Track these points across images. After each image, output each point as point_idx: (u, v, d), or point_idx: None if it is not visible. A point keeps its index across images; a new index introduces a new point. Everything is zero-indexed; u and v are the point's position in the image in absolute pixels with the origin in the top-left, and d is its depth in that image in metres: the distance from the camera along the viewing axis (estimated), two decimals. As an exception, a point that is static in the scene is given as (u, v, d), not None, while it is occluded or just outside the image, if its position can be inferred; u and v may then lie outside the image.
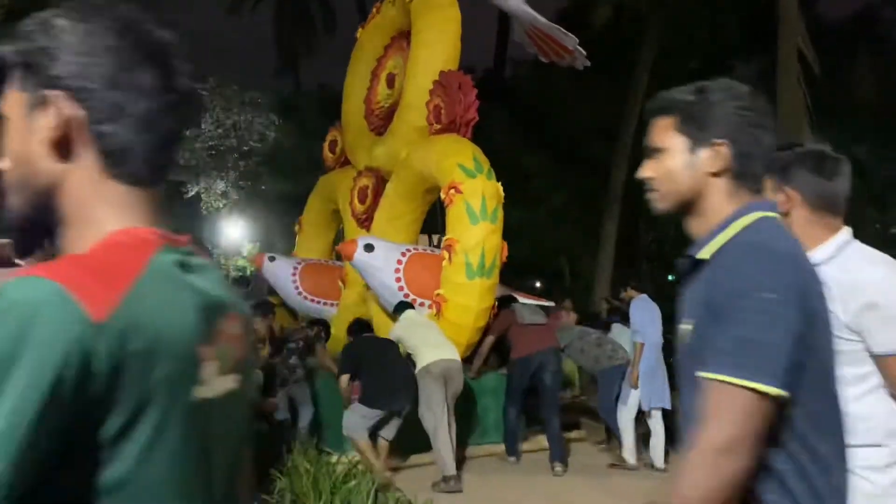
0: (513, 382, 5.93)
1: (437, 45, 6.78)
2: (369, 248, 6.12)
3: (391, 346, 5.50)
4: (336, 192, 8.13)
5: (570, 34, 6.81)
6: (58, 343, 0.61)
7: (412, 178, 6.71)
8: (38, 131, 0.74)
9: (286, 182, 15.52)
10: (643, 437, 5.99)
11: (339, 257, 6.97)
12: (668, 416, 5.77)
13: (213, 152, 16.05)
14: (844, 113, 15.67)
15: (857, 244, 1.69)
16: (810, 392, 1.09)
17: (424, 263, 6.22)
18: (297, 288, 7.58)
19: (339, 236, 8.11)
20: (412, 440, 5.53)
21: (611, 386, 6.07)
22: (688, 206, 1.23)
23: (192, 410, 0.72)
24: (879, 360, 1.56)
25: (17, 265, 1.60)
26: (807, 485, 1.08)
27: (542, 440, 6.12)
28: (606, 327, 6.95)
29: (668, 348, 5.54)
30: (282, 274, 7.66)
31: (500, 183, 6.26)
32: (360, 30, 8.29)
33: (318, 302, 7.61)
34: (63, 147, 0.74)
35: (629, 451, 5.93)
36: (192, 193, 16.29)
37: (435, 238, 7.50)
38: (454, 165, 6.04)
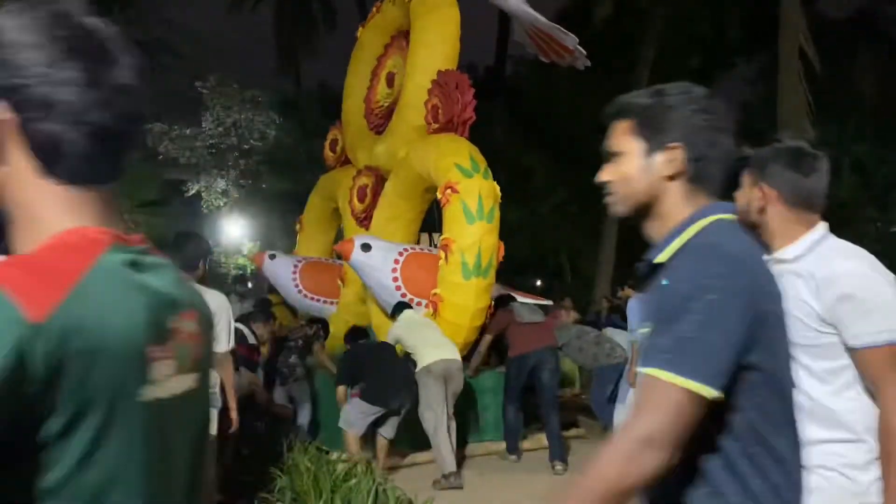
0: (510, 381, 5.94)
1: (436, 45, 6.77)
2: (366, 247, 6.12)
3: (388, 347, 5.54)
4: (336, 191, 8.13)
5: (570, 34, 6.80)
6: None
7: (411, 178, 6.71)
8: None
9: (286, 180, 15.52)
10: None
11: (339, 256, 6.98)
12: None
13: (214, 151, 16.06)
14: (845, 111, 15.65)
15: (833, 239, 1.69)
16: (766, 392, 1.11)
17: (421, 263, 6.22)
18: (297, 286, 7.59)
19: (340, 235, 8.11)
20: (412, 439, 5.53)
21: (606, 383, 6.09)
22: (645, 210, 1.23)
23: (142, 411, 0.71)
24: (854, 353, 1.55)
25: None
26: (768, 484, 1.10)
27: (542, 438, 6.13)
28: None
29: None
30: (282, 272, 7.67)
31: (499, 181, 6.26)
32: (360, 29, 8.28)
33: (318, 300, 7.61)
34: None
35: None
36: (193, 192, 16.29)
37: (436, 237, 7.51)
38: (451, 165, 6.04)
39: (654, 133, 1.21)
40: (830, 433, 1.58)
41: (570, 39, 6.84)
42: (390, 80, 7.69)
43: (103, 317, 0.68)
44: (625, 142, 1.24)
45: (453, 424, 5.37)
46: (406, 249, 6.35)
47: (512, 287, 6.93)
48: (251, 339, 5.29)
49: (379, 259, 6.10)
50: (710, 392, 1.02)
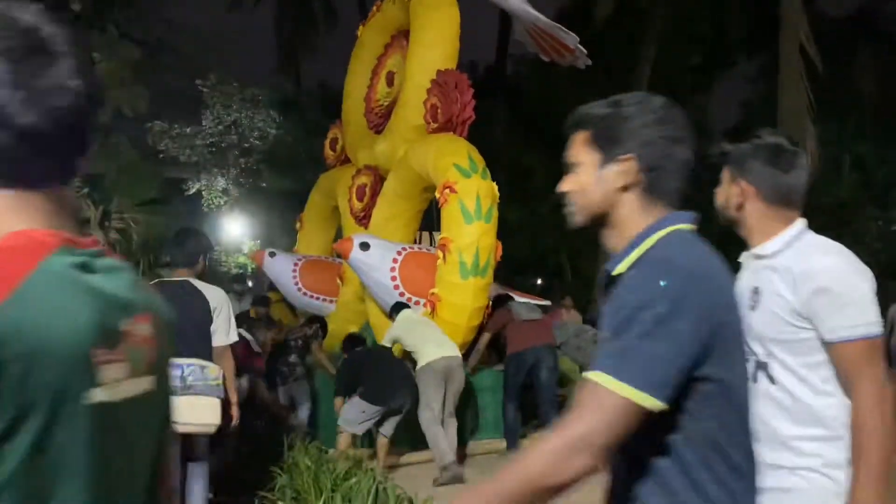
0: (509, 378, 5.95)
1: (436, 44, 6.76)
2: (365, 246, 6.13)
3: (386, 350, 5.58)
4: (336, 190, 8.13)
5: (570, 33, 6.79)
6: None
7: (410, 177, 6.71)
8: None
9: (287, 179, 15.53)
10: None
11: (338, 255, 6.98)
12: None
13: (214, 149, 16.05)
14: (845, 109, 15.64)
15: (811, 235, 1.69)
16: (722, 402, 1.11)
17: (420, 262, 6.23)
18: (296, 284, 7.59)
19: (340, 233, 8.11)
20: (413, 438, 5.54)
21: None
22: (601, 221, 1.24)
23: (89, 414, 0.70)
24: (830, 347, 1.55)
25: None
26: (725, 490, 1.11)
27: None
28: None
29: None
30: (282, 270, 7.67)
31: (500, 181, 6.27)
32: (360, 28, 8.28)
33: (318, 298, 7.61)
34: None
35: None
36: (193, 190, 16.29)
37: (436, 236, 7.51)
38: (449, 165, 6.04)
39: (608, 144, 1.21)
40: (809, 431, 1.58)
41: (571, 38, 6.83)
42: (390, 80, 7.69)
43: (45, 320, 0.67)
44: (582, 153, 1.25)
45: (454, 422, 5.38)
46: (404, 249, 6.36)
47: (511, 287, 6.93)
48: (255, 347, 5.29)
49: (377, 258, 6.11)
50: (651, 402, 1.02)
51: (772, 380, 1.63)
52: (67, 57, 0.78)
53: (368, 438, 5.62)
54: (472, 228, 5.86)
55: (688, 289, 1.07)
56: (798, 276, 1.58)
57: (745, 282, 1.73)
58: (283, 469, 4.46)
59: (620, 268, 1.17)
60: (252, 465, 4.78)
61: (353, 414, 5.19)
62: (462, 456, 5.72)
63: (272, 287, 8.14)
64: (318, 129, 10.20)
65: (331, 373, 6.25)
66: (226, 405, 3.70)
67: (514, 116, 16.58)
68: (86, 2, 11.15)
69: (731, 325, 1.13)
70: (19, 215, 0.74)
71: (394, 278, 6.09)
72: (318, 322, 6.74)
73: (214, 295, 3.61)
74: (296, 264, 7.70)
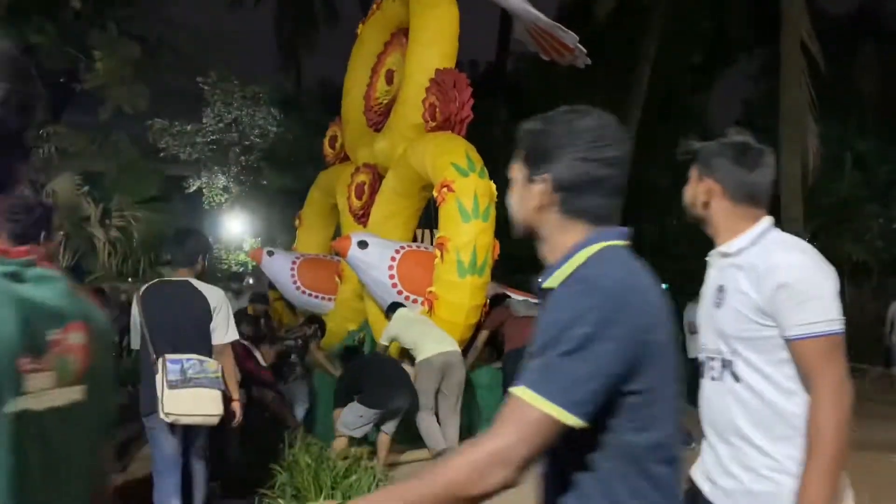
0: (508, 376, 5.95)
1: (435, 43, 6.75)
2: (363, 244, 6.13)
3: (382, 356, 5.65)
4: (335, 188, 8.12)
5: (570, 32, 6.78)
6: None
7: (408, 175, 6.70)
8: None
9: (287, 177, 15.51)
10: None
11: (337, 253, 6.98)
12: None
13: (214, 147, 16.03)
14: (847, 107, 15.60)
15: (777, 232, 1.70)
16: (646, 415, 1.12)
17: (418, 261, 6.23)
18: (295, 282, 7.58)
19: (339, 231, 8.11)
20: (413, 436, 5.54)
21: None
22: (533, 235, 1.26)
23: (12, 423, 0.70)
24: (791, 344, 1.55)
25: None
26: (643, 502, 1.12)
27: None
28: None
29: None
30: (280, 268, 7.67)
31: (500, 178, 6.25)
32: (360, 26, 8.27)
33: (317, 296, 7.61)
34: None
35: None
36: (194, 188, 16.28)
37: (436, 233, 7.51)
38: (447, 163, 6.04)
39: (532, 163, 1.23)
40: (776, 431, 1.58)
41: (570, 38, 6.81)
42: (389, 78, 7.68)
43: None
44: (515, 169, 1.27)
45: (457, 420, 5.40)
46: (403, 247, 6.36)
47: (511, 285, 6.93)
48: (261, 361, 5.32)
49: (375, 256, 6.11)
50: (571, 419, 1.04)
51: (736, 378, 1.64)
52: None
53: (365, 437, 5.65)
54: (469, 227, 5.85)
55: (612, 309, 1.07)
56: (761, 273, 1.59)
57: (711, 280, 1.75)
58: (284, 467, 4.47)
59: (550, 282, 1.18)
60: (253, 463, 4.79)
61: (351, 418, 5.22)
62: (462, 454, 5.72)
63: (273, 285, 8.14)
64: (319, 126, 10.17)
65: (329, 372, 6.28)
66: (226, 401, 3.73)
67: (514, 115, 16.55)
68: (86, 0, 11.13)
69: (656, 342, 1.13)
70: None
71: (392, 276, 6.09)
72: (317, 322, 6.75)
73: (214, 295, 3.67)
74: (294, 262, 7.70)
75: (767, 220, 1.71)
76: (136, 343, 3.77)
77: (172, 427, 3.50)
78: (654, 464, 1.13)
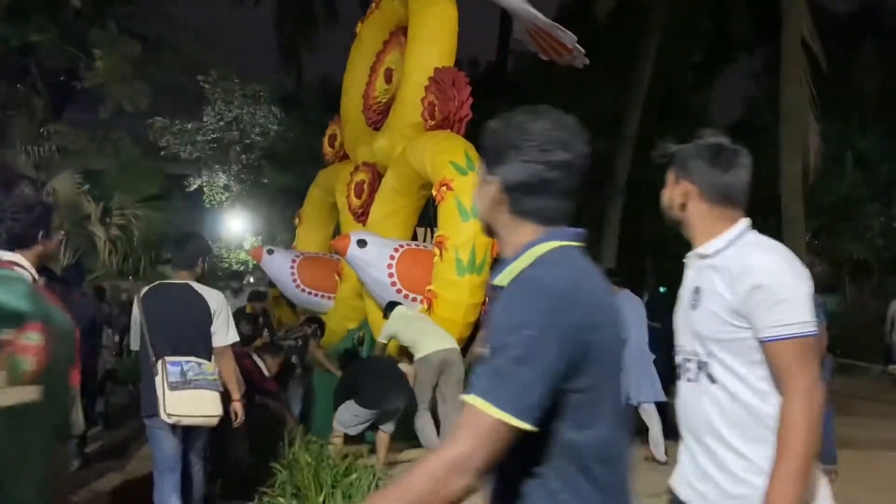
0: None
1: (434, 42, 6.74)
2: (362, 243, 6.14)
3: (380, 358, 5.68)
4: (335, 186, 8.12)
5: (568, 32, 6.78)
6: None
7: (408, 174, 6.70)
8: None
9: (288, 175, 15.51)
10: (643, 432, 6.00)
11: (336, 251, 6.98)
12: (665, 411, 5.76)
13: (215, 145, 16.03)
14: (848, 105, 15.58)
15: (754, 234, 1.69)
16: (587, 414, 1.13)
17: (417, 259, 6.23)
18: (295, 281, 7.58)
19: (339, 230, 8.11)
20: (413, 435, 5.55)
21: None
22: (492, 233, 1.30)
23: None
24: (764, 346, 1.56)
25: None
26: (581, 502, 1.13)
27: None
28: None
29: (662, 341, 5.53)
30: (280, 267, 7.66)
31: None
32: (359, 24, 8.26)
33: (317, 295, 7.61)
34: None
35: None
36: (194, 187, 16.28)
37: (436, 231, 7.51)
38: (446, 162, 6.03)
39: (487, 163, 1.26)
40: (752, 432, 1.58)
41: (569, 38, 6.81)
42: (388, 76, 7.67)
43: None
44: (479, 168, 1.30)
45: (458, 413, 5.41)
46: (402, 245, 6.36)
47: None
48: (266, 371, 5.35)
49: (374, 255, 6.11)
50: (524, 424, 1.06)
51: (712, 379, 1.64)
52: None
53: (362, 436, 5.68)
54: (468, 226, 5.85)
55: (553, 309, 1.09)
56: (736, 275, 1.59)
57: (688, 281, 1.75)
58: (284, 465, 4.47)
59: (499, 280, 1.20)
60: (253, 462, 4.79)
61: (347, 417, 5.28)
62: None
63: (273, 284, 8.14)
64: (320, 125, 10.17)
65: (329, 370, 6.31)
66: (226, 402, 3.78)
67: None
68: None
69: (599, 342, 1.14)
70: None
71: (391, 275, 6.09)
72: (317, 322, 6.76)
73: (214, 298, 3.72)
74: (294, 261, 7.70)
75: (744, 222, 1.71)
76: (135, 344, 3.80)
77: (174, 427, 3.54)
78: (597, 463, 1.14)
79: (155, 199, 12.98)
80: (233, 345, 3.87)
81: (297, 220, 9.04)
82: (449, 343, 5.39)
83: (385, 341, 5.66)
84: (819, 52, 10.54)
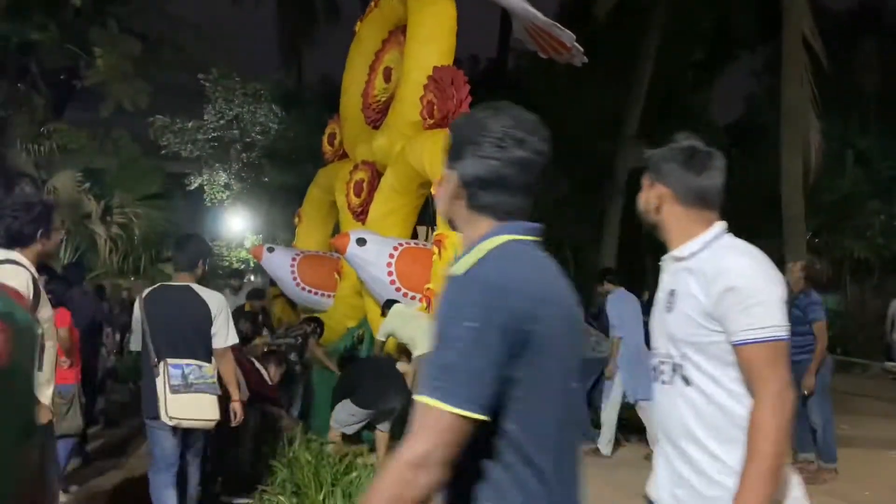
0: None
1: (432, 40, 6.73)
2: (361, 242, 6.14)
3: (377, 359, 5.73)
4: (334, 185, 8.11)
5: (567, 31, 6.77)
6: None
7: (407, 172, 6.69)
8: None
9: (289, 174, 15.49)
10: (641, 430, 6.00)
11: (336, 250, 6.98)
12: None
13: (216, 144, 16.01)
14: (849, 104, 15.56)
15: (729, 237, 1.71)
16: (527, 406, 1.14)
17: (416, 258, 6.23)
18: (295, 279, 7.58)
19: (338, 228, 8.10)
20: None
21: (587, 376, 6.16)
22: (453, 226, 1.32)
23: None
24: (736, 349, 1.57)
25: None
26: (524, 492, 1.15)
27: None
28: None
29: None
30: (280, 265, 7.66)
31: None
32: (358, 23, 8.26)
33: (316, 293, 7.60)
34: None
35: (606, 444, 5.99)
36: (195, 185, 16.27)
37: (435, 230, 7.50)
38: (445, 161, 6.01)
39: (448, 158, 1.29)
40: (727, 435, 1.59)
41: (567, 36, 6.80)
42: (387, 75, 7.66)
43: None
44: (444, 161, 1.32)
45: None
46: (401, 244, 6.36)
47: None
48: (268, 379, 5.38)
49: (374, 254, 6.12)
50: (477, 415, 1.08)
51: (686, 381, 1.65)
52: None
53: (359, 435, 5.71)
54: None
55: (493, 299, 1.11)
56: (710, 277, 1.60)
57: (664, 284, 1.77)
58: (284, 464, 4.48)
59: (453, 272, 1.21)
60: (253, 460, 4.80)
61: (343, 416, 5.34)
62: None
63: (273, 282, 8.14)
64: (320, 124, 10.14)
65: (329, 368, 6.33)
66: (226, 402, 3.83)
67: (515, 111, 16.49)
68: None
69: (541, 333, 1.14)
70: None
71: (390, 274, 6.10)
72: (315, 321, 6.78)
73: (214, 300, 3.76)
74: (294, 259, 7.69)
75: (720, 226, 1.72)
76: (136, 345, 3.84)
77: (174, 428, 3.58)
78: (541, 454, 1.16)
79: (155, 198, 13.00)
80: (234, 347, 3.91)
81: (296, 219, 9.04)
82: None
83: (383, 339, 5.68)
84: (820, 50, 10.54)
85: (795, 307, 5.36)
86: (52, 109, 12.92)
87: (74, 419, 4.45)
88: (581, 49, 6.92)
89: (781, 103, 10.82)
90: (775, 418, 1.50)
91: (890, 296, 12.15)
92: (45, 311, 2.82)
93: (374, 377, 5.35)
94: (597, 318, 7.35)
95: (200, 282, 3.86)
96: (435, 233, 6.16)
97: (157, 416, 3.50)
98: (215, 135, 15.93)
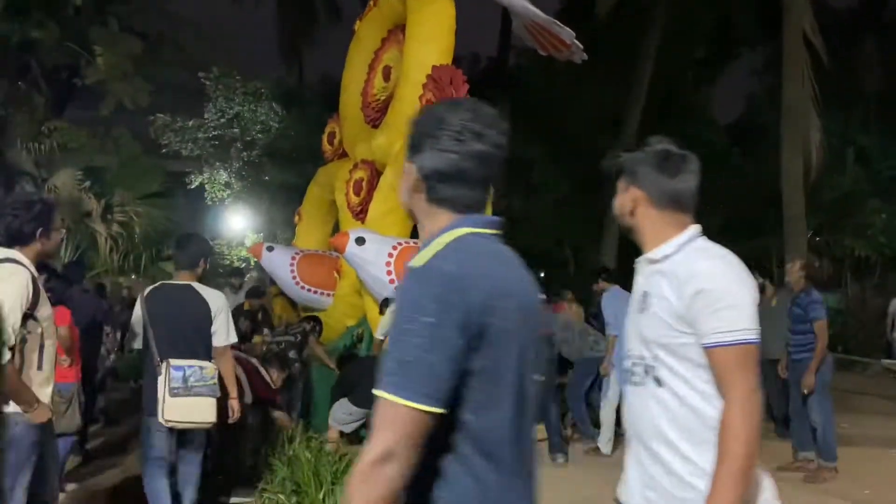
0: None
1: (431, 39, 6.73)
2: (361, 241, 6.15)
3: (376, 356, 5.73)
4: (334, 184, 8.11)
5: (566, 28, 6.76)
6: None
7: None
8: None
9: (289, 172, 15.49)
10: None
11: (335, 249, 6.98)
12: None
13: (216, 143, 16.01)
14: (850, 102, 15.54)
15: (703, 241, 1.71)
16: (483, 396, 1.15)
17: (415, 257, 6.25)
18: (294, 278, 7.57)
19: (338, 227, 8.10)
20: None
21: (586, 375, 6.16)
22: (413, 219, 1.33)
23: None
24: (706, 352, 1.58)
25: None
26: (477, 482, 1.15)
27: (543, 430, 6.14)
28: None
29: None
30: (280, 264, 7.65)
31: (501, 172, 6.26)
32: (357, 22, 8.25)
33: (316, 292, 7.60)
34: None
35: (605, 443, 6.00)
36: (196, 184, 16.27)
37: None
38: (443, 160, 6.03)
39: (409, 151, 1.30)
40: (698, 436, 1.59)
41: (567, 33, 6.80)
42: (387, 74, 7.66)
43: None
44: (405, 154, 1.33)
45: None
46: (400, 243, 6.36)
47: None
48: (271, 384, 5.39)
49: (373, 253, 6.12)
50: (435, 409, 1.09)
51: (658, 382, 1.65)
52: None
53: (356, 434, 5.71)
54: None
55: (449, 292, 1.11)
56: (682, 280, 1.61)
57: (637, 286, 1.78)
58: (284, 462, 4.48)
59: (412, 263, 1.22)
60: (254, 459, 4.81)
61: (341, 415, 5.42)
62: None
63: (273, 281, 8.14)
64: (321, 122, 10.13)
65: (329, 366, 6.34)
66: (224, 401, 3.86)
67: (516, 109, 16.52)
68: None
69: (497, 326, 1.15)
70: None
71: (389, 273, 6.10)
72: (315, 320, 6.79)
73: (214, 299, 3.79)
74: (294, 258, 7.69)
75: (694, 229, 1.72)
76: (136, 343, 3.89)
77: (170, 429, 3.64)
78: (496, 446, 1.17)
79: (156, 196, 13.00)
80: (234, 346, 3.94)
81: (296, 218, 9.04)
82: None
83: (382, 338, 5.69)
84: (821, 48, 10.52)
85: (797, 306, 5.36)
86: (53, 108, 12.92)
87: (73, 418, 4.45)
88: (581, 46, 6.92)
89: (782, 102, 10.81)
90: (745, 420, 1.51)
91: (890, 294, 12.14)
92: (45, 310, 2.82)
93: (373, 376, 5.36)
94: (596, 317, 7.35)
95: (201, 280, 3.88)
96: None
97: (154, 415, 3.56)
98: (216, 133, 15.92)
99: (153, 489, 3.67)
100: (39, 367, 2.77)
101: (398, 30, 7.56)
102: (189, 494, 3.83)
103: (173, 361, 3.57)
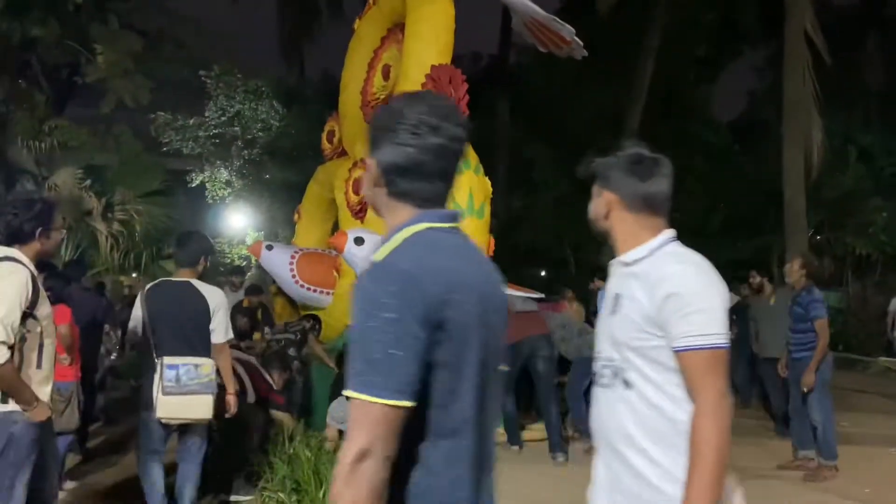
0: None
1: (430, 38, 6.71)
2: (359, 241, 6.14)
3: None
4: (333, 182, 8.10)
5: (566, 24, 6.75)
6: None
7: (405, 171, 6.71)
8: None
9: (290, 171, 15.48)
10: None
11: (334, 248, 6.97)
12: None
13: (217, 141, 16.00)
14: (852, 100, 15.52)
15: (675, 244, 1.72)
16: (440, 392, 1.16)
17: (414, 257, 6.25)
18: (294, 276, 7.56)
19: (338, 226, 8.09)
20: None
21: (585, 374, 6.14)
22: (379, 214, 1.34)
23: None
24: (677, 356, 1.58)
25: None
26: (433, 478, 1.17)
27: (543, 429, 6.14)
28: None
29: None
30: (279, 262, 7.64)
31: (502, 171, 6.25)
32: (357, 21, 8.25)
33: (316, 291, 7.58)
34: None
35: None
36: (196, 182, 16.27)
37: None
38: (443, 160, 6.02)
39: (370, 146, 1.30)
40: (667, 440, 1.59)
41: (567, 30, 6.78)
42: (386, 73, 7.65)
43: None
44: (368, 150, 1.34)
45: None
46: (399, 243, 6.37)
47: (512, 280, 6.92)
48: (273, 385, 5.40)
49: (372, 252, 6.11)
50: (405, 403, 1.11)
51: (627, 385, 1.66)
52: None
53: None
54: (464, 224, 5.83)
55: (409, 292, 1.12)
56: (653, 283, 1.62)
57: (610, 288, 1.78)
58: (284, 460, 4.48)
59: (375, 258, 1.23)
60: (255, 457, 4.81)
61: (339, 413, 5.37)
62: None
63: (273, 280, 8.13)
64: (322, 121, 10.11)
65: (328, 364, 6.34)
66: (221, 397, 3.89)
67: (516, 107, 16.51)
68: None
69: (455, 319, 1.16)
70: None
71: (388, 272, 6.11)
72: (314, 319, 6.78)
73: (213, 296, 3.82)
74: (293, 256, 7.67)
75: (668, 233, 1.73)
76: (134, 341, 3.95)
77: (165, 424, 3.71)
78: (451, 441, 1.18)
79: (157, 195, 12.98)
80: (232, 344, 3.97)
81: (296, 216, 9.03)
82: None
83: None
84: (822, 45, 10.50)
85: (797, 305, 5.35)
86: (53, 106, 12.92)
87: (72, 416, 4.46)
88: (581, 42, 6.90)
89: (783, 100, 10.79)
90: (715, 426, 1.52)
91: (891, 293, 12.11)
92: (44, 309, 2.82)
93: None
94: (596, 315, 7.34)
95: (202, 278, 3.91)
96: None
97: (150, 410, 3.63)
98: (216, 131, 15.92)
99: (148, 475, 3.75)
100: (39, 366, 2.78)
101: (398, 28, 7.55)
102: (189, 493, 3.86)
103: (168, 360, 3.61)
